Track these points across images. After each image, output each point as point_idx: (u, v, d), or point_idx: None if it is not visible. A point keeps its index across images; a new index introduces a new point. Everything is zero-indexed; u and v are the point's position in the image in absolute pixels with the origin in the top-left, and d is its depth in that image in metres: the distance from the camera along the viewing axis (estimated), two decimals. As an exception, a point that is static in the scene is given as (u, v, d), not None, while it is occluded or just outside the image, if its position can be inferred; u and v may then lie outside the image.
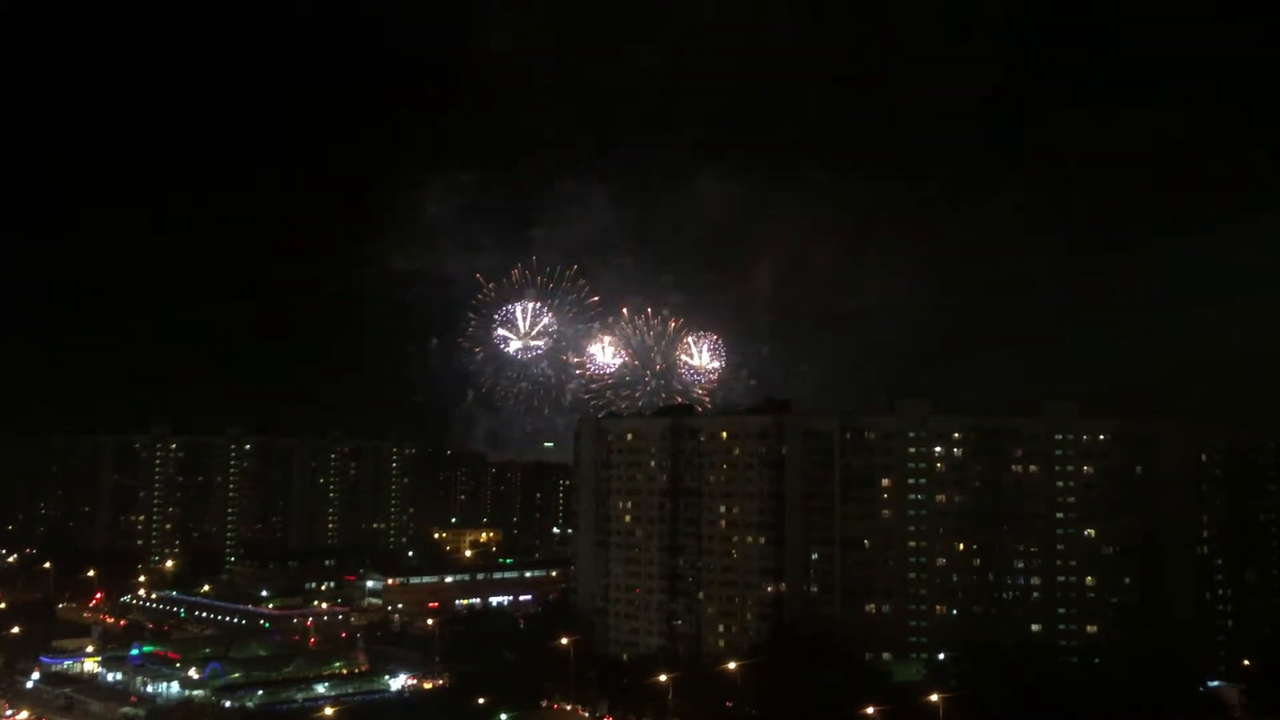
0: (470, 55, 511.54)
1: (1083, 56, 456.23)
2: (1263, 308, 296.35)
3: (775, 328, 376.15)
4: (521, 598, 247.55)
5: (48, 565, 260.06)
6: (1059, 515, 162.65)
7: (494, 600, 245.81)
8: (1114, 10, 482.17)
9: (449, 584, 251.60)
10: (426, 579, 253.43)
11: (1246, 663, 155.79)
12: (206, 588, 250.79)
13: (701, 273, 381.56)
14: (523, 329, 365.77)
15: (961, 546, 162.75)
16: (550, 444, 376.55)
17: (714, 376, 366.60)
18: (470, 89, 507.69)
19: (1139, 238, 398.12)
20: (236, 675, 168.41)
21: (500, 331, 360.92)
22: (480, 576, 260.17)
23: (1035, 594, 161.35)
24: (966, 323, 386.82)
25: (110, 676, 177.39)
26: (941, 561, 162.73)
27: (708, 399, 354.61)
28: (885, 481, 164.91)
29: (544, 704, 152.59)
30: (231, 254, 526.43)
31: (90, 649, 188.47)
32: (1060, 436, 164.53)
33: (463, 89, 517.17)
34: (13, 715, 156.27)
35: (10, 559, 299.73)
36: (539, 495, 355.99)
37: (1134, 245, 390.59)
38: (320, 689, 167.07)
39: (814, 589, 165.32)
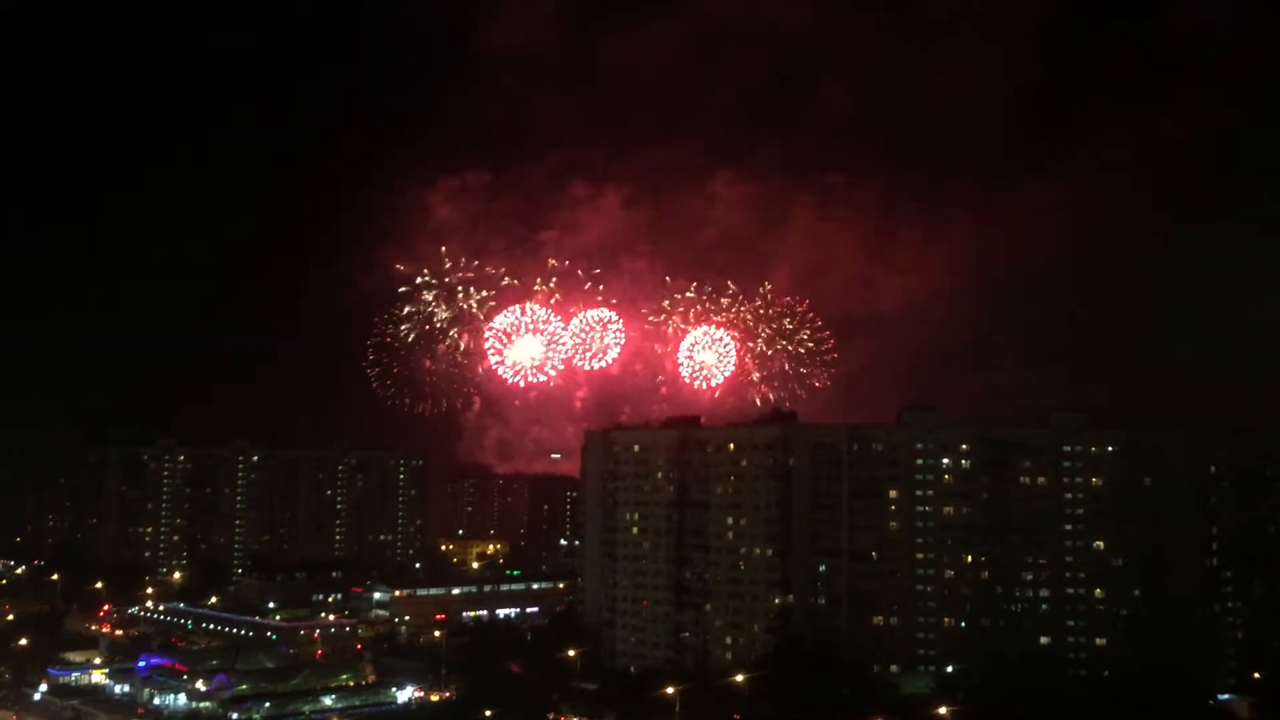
0: (473, 48, 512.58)
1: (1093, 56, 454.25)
2: (1271, 316, 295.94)
3: (787, 335, 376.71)
4: (528, 610, 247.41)
5: (55, 577, 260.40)
6: (1067, 527, 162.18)
7: (501, 612, 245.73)
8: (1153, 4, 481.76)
9: (456, 596, 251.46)
10: (433, 591, 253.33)
11: (1256, 675, 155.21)
12: (214, 599, 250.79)
13: (713, 277, 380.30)
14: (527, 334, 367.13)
15: (969, 558, 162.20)
16: (558, 455, 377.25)
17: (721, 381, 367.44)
18: (477, 84, 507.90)
19: (1148, 245, 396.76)
20: (243, 687, 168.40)
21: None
22: (487, 589, 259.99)
23: (1043, 606, 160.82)
24: (978, 332, 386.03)
25: (118, 688, 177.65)
26: (949, 573, 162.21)
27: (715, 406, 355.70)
28: (892, 493, 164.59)
29: (551, 716, 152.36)
30: (235, 262, 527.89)
31: (98, 661, 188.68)
32: (1068, 448, 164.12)
33: (470, 84, 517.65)
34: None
35: (18, 571, 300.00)
36: (546, 507, 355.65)
37: (1141, 254, 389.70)
38: (327, 701, 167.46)
39: (821, 601, 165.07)
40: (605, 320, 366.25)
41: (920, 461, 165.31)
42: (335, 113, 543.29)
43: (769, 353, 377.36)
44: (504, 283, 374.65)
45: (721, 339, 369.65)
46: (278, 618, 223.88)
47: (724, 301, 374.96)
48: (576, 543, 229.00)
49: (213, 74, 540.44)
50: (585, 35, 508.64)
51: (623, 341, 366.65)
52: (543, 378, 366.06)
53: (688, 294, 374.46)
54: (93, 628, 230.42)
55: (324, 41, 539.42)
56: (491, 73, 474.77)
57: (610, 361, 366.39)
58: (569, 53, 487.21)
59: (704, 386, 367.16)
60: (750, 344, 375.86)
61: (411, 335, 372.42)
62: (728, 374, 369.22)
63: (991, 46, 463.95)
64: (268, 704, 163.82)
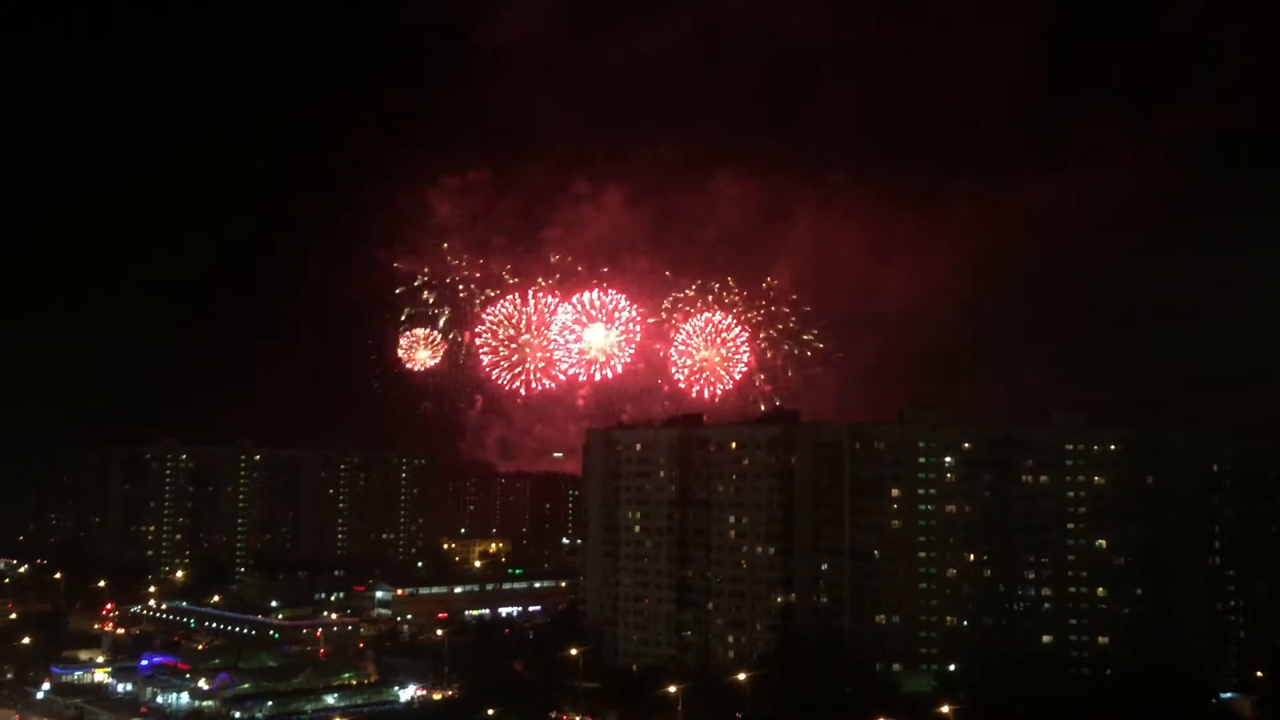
0: (478, 42, 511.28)
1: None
2: (1273, 315, 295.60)
3: (791, 333, 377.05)
4: (530, 608, 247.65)
5: (58, 576, 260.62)
6: (1069, 526, 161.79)
7: (503, 611, 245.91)
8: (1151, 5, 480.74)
9: (458, 595, 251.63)
10: (435, 590, 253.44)
11: (1259, 674, 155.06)
12: (216, 598, 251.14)
13: (716, 275, 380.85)
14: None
15: (971, 557, 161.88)
16: (560, 454, 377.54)
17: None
18: (479, 80, 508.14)
19: (1152, 245, 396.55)
20: (246, 686, 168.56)
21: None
22: (489, 587, 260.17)
23: (1046, 605, 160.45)
24: (982, 330, 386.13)
25: (120, 687, 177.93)
26: (951, 572, 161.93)
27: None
28: (895, 492, 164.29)
29: (553, 715, 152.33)
30: (236, 260, 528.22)
31: (100, 659, 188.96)
32: (1070, 447, 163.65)
33: (471, 82, 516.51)
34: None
35: (21, 569, 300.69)
36: (548, 506, 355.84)
37: (1146, 252, 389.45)
38: (329, 700, 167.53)
39: (823, 599, 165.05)
40: (612, 308, 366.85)
41: (922, 460, 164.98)
42: (337, 111, 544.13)
43: (769, 354, 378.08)
44: (510, 281, 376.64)
45: (730, 327, 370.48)
46: (280, 616, 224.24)
47: (727, 299, 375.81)
48: (578, 541, 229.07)
49: (212, 72, 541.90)
50: (586, 32, 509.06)
51: (635, 335, 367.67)
52: (548, 383, 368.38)
53: (688, 292, 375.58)
54: (95, 626, 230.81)
55: (324, 39, 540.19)
56: (492, 70, 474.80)
57: (622, 364, 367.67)
58: (570, 50, 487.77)
59: (707, 383, 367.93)
60: (752, 344, 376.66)
61: (413, 334, 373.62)
62: (741, 372, 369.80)
63: (994, 45, 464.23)
64: (270, 703, 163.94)
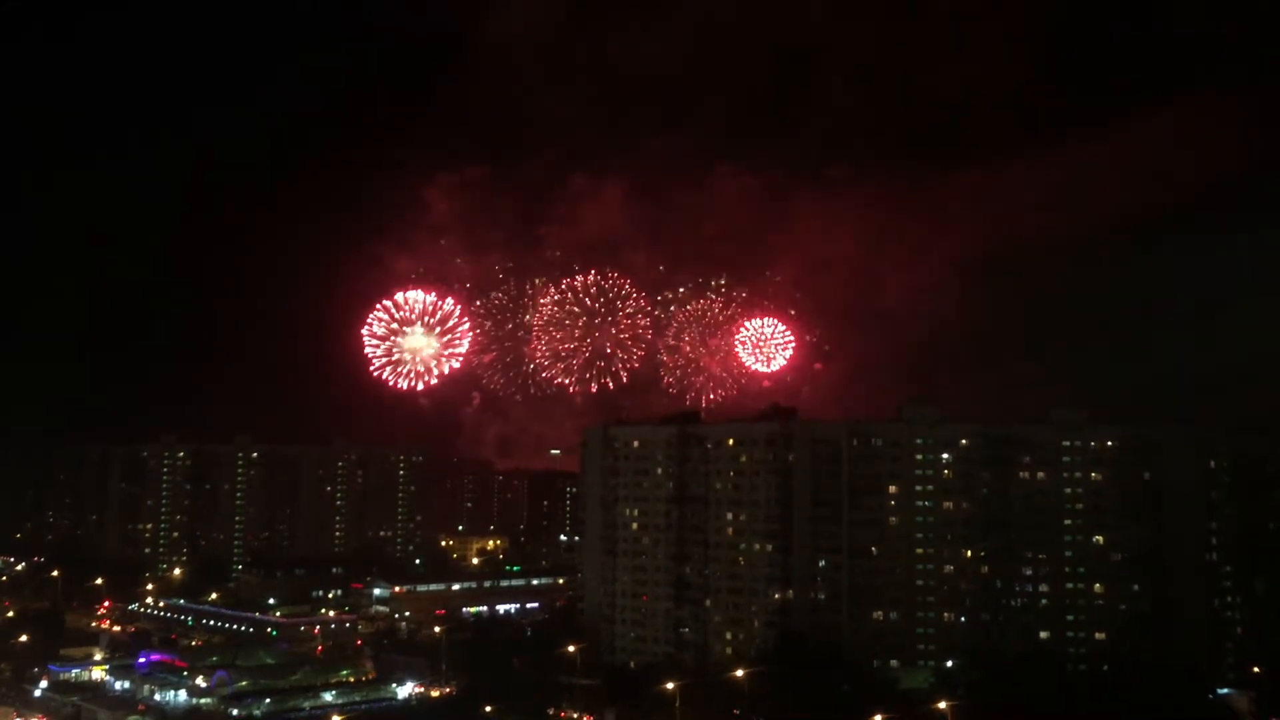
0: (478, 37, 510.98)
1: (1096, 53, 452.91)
2: (1273, 313, 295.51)
3: (789, 331, 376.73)
4: (528, 606, 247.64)
5: (56, 573, 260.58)
6: (1067, 522, 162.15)
7: (501, 608, 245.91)
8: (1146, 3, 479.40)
9: (456, 592, 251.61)
10: (433, 587, 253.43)
11: (1256, 670, 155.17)
12: (214, 596, 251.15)
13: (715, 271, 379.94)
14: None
15: (969, 554, 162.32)
16: (558, 451, 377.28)
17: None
18: (478, 76, 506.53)
19: (1151, 241, 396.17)
20: (244, 683, 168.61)
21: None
22: (487, 585, 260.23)
23: (1043, 601, 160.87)
24: (980, 328, 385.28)
25: (118, 685, 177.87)
26: (949, 569, 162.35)
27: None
28: (893, 489, 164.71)
29: (551, 712, 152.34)
30: (234, 257, 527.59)
31: (98, 657, 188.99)
32: (1068, 444, 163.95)
33: (470, 76, 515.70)
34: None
35: (19, 567, 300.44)
36: (546, 503, 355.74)
37: (1145, 248, 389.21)
38: (327, 697, 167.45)
39: (821, 597, 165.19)
40: (612, 295, 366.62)
41: (920, 457, 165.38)
42: (337, 109, 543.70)
43: (766, 352, 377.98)
44: (508, 279, 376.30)
45: (727, 323, 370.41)
46: (278, 614, 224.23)
47: (726, 296, 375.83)
48: (576, 539, 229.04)
49: (212, 72, 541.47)
50: (586, 28, 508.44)
51: (645, 331, 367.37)
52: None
53: (683, 290, 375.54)
54: (93, 624, 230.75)
55: (323, 33, 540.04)
56: (492, 66, 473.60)
57: (622, 362, 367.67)
58: (570, 46, 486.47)
59: (705, 380, 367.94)
60: (747, 338, 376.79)
61: (412, 330, 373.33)
62: (739, 369, 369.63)
63: (995, 39, 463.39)
64: (268, 700, 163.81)
